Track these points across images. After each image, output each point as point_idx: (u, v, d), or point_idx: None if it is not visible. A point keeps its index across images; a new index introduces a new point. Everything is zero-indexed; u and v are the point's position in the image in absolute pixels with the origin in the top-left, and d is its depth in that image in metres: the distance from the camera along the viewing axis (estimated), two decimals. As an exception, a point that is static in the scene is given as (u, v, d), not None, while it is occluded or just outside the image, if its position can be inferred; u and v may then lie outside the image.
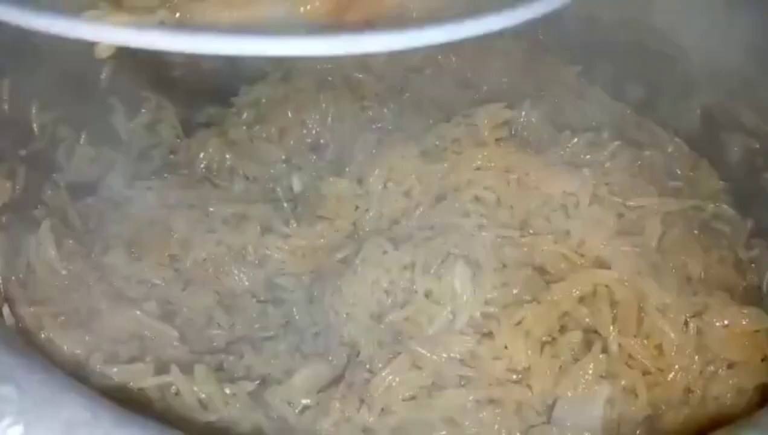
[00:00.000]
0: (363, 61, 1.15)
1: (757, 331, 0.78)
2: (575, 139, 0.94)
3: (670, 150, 1.01)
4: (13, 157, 0.82)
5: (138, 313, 0.85)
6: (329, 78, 1.13)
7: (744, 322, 0.77)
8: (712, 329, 0.77)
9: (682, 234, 0.86)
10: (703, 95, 1.00)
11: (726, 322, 0.77)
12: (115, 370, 0.70)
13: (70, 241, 0.91)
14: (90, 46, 0.95)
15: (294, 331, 0.90)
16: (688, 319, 0.77)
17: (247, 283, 0.97)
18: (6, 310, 0.66)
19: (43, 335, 0.73)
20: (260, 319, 0.94)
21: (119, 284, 0.91)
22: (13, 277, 0.76)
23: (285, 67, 1.14)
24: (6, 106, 0.81)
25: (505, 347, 0.79)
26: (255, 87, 1.14)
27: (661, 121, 1.04)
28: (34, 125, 0.87)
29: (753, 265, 0.92)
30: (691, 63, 1.01)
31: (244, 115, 1.12)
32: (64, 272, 0.85)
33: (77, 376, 0.69)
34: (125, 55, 1.00)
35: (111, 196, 1.01)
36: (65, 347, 0.73)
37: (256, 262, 0.98)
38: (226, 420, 0.68)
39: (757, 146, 0.94)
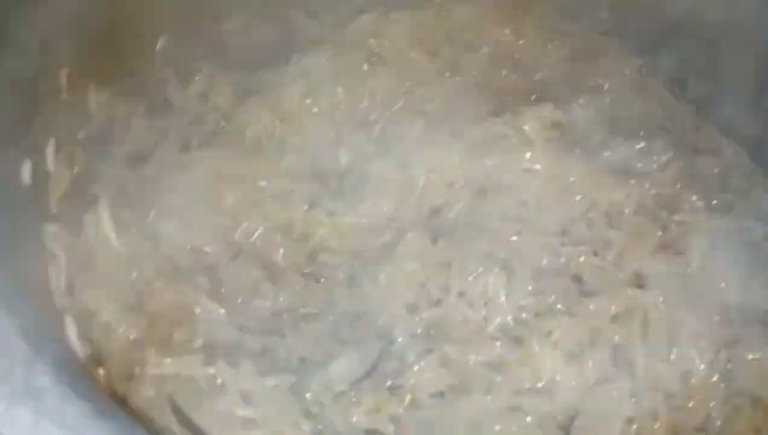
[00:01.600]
0: (417, 35, 1.13)
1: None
2: (626, 147, 0.92)
3: (727, 157, 0.98)
4: (72, 142, 0.85)
5: (189, 289, 0.90)
6: (380, 52, 1.12)
7: (776, 360, 0.78)
8: (742, 362, 0.78)
9: (726, 256, 0.85)
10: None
11: (758, 356, 0.78)
12: (168, 360, 0.75)
13: (127, 211, 0.95)
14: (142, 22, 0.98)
15: (333, 312, 0.94)
16: (720, 349, 0.78)
17: (292, 258, 1.00)
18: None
19: (100, 319, 0.78)
20: (303, 293, 0.97)
21: (171, 254, 0.95)
22: (74, 265, 0.81)
23: (337, 39, 1.13)
24: (64, 95, 0.83)
25: (533, 356, 0.82)
26: (306, 58, 1.13)
27: (723, 124, 1.00)
28: (92, 105, 0.90)
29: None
30: (762, 63, 0.96)
31: (296, 85, 1.12)
32: (121, 248, 0.90)
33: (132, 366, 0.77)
34: (178, 26, 1.03)
35: (165, 164, 1.05)
36: (121, 330, 0.78)
37: (302, 236, 1.01)
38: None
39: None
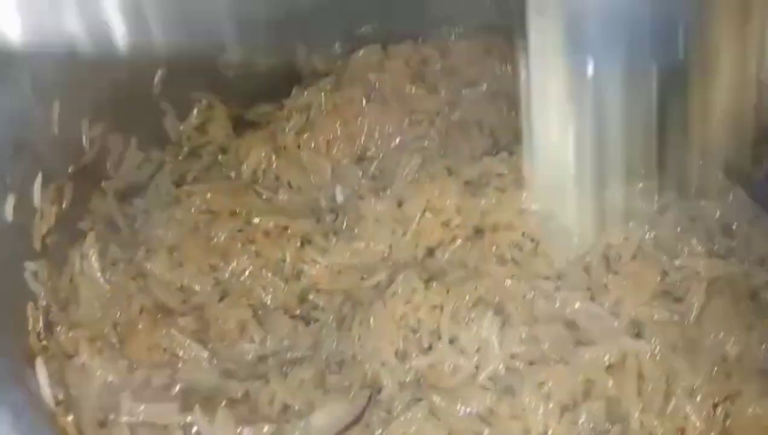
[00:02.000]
0: (418, 71, 1.12)
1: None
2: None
3: (729, 200, 0.95)
4: (61, 177, 0.85)
5: (172, 331, 0.88)
6: (380, 87, 1.11)
7: (775, 416, 0.74)
8: (740, 417, 0.74)
9: (726, 305, 0.82)
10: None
11: (758, 411, 0.74)
12: (142, 407, 0.73)
13: (114, 247, 0.94)
14: (140, 56, 0.98)
15: (320, 357, 0.92)
16: (717, 403, 0.75)
17: (281, 297, 0.98)
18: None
19: (77, 361, 0.77)
20: (290, 335, 0.95)
21: (159, 292, 0.94)
22: (55, 304, 0.79)
23: (337, 73, 1.12)
24: (56, 129, 0.83)
25: (524, 409, 0.78)
26: (306, 91, 1.12)
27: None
28: (84, 139, 0.89)
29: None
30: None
31: (293, 121, 1.11)
32: (106, 286, 0.88)
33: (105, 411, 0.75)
34: (177, 59, 1.03)
35: (157, 197, 1.04)
36: (98, 373, 0.76)
37: (293, 275, 0.99)
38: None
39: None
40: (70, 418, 0.70)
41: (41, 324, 0.75)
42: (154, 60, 1.00)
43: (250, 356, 0.92)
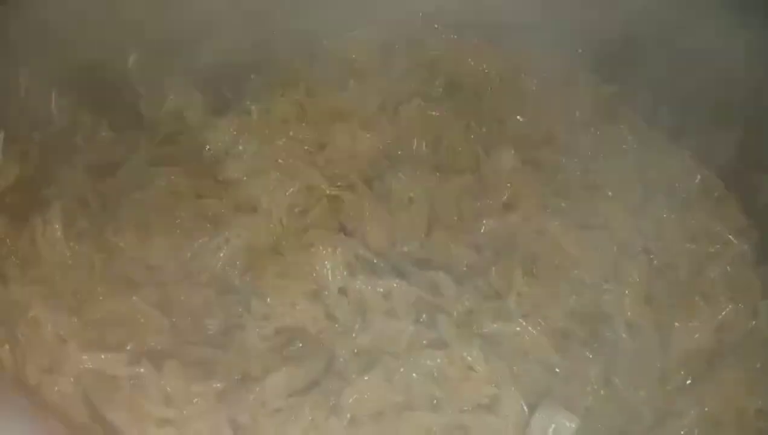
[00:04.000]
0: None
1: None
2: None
3: (697, 181, 0.96)
4: (27, 140, 0.85)
5: (134, 298, 0.88)
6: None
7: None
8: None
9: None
10: (740, 128, 0.93)
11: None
12: (85, 356, 0.72)
13: (84, 221, 0.94)
14: (114, 35, 1.00)
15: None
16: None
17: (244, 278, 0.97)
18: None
19: (30, 314, 0.76)
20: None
21: (124, 267, 0.94)
22: (12, 257, 0.79)
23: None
24: (23, 94, 0.84)
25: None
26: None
27: (695, 151, 0.98)
28: (53, 109, 0.90)
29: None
30: (732, 91, 0.94)
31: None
32: (68, 253, 0.88)
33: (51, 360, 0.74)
34: (153, 42, 1.05)
35: (130, 178, 1.05)
36: (49, 327, 0.76)
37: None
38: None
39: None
40: (6, 347, 0.69)
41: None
42: (128, 41, 1.03)
43: (213, 330, 0.91)
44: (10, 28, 0.83)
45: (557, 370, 0.84)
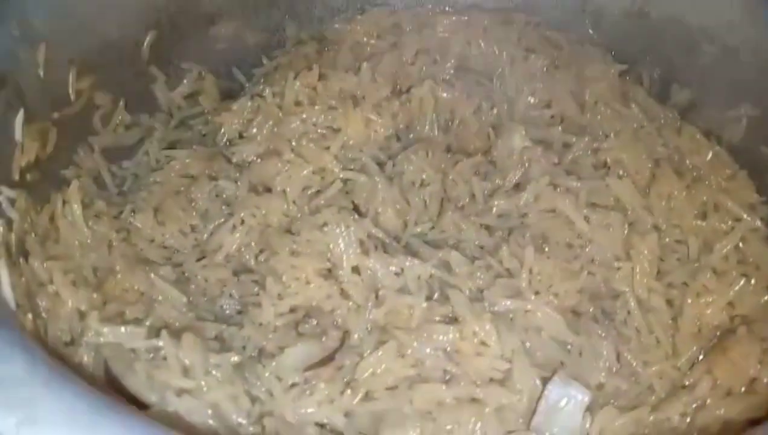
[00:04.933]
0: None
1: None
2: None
3: (709, 158, 0.96)
4: (45, 119, 0.87)
5: (152, 275, 0.89)
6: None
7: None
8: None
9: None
10: (751, 105, 0.93)
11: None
12: (106, 329, 0.74)
13: (101, 202, 0.96)
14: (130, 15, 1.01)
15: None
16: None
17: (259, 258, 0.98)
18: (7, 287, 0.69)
19: (50, 289, 0.78)
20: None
21: (141, 246, 0.96)
22: (33, 233, 0.81)
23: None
24: (41, 71, 0.85)
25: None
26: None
27: (705, 129, 0.99)
28: (71, 90, 0.92)
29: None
30: (741, 67, 0.94)
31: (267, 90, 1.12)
32: (86, 231, 0.90)
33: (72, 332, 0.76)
34: (167, 24, 1.06)
35: (146, 161, 1.07)
36: (69, 302, 0.77)
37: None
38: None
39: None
40: (29, 316, 0.70)
41: (14, 247, 0.76)
42: (144, 24, 1.04)
43: (231, 310, 0.92)
44: (28, 8, 0.84)
45: (569, 346, 0.84)
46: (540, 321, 0.86)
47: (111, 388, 0.68)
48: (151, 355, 0.74)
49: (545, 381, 0.79)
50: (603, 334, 0.86)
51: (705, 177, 0.95)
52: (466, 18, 1.15)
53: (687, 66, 1.00)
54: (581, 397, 0.76)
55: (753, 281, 0.87)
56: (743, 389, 0.76)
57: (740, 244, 0.90)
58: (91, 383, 0.56)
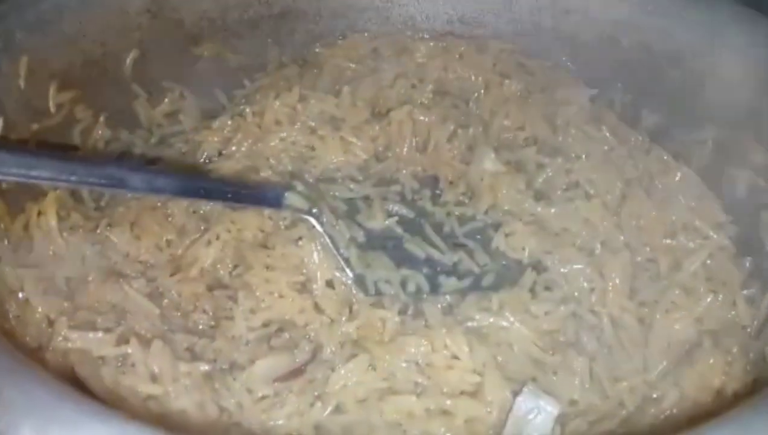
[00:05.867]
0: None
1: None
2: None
3: (677, 179, 0.98)
4: (24, 131, 0.88)
5: (126, 287, 0.89)
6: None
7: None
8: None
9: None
10: (716, 126, 0.96)
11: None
12: (75, 335, 0.73)
13: (77, 215, 0.96)
14: (113, 32, 1.03)
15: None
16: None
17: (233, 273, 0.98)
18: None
19: (20, 296, 0.77)
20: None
21: (115, 259, 0.95)
22: (5, 240, 0.81)
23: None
24: (22, 82, 0.87)
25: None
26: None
27: (674, 150, 1.01)
28: (51, 103, 0.93)
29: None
30: (707, 91, 0.98)
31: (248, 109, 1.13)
32: (61, 241, 0.90)
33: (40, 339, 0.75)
34: (150, 43, 1.08)
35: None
36: (39, 309, 0.77)
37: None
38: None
39: (763, 184, 0.90)
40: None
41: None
42: (127, 42, 1.06)
43: (203, 324, 0.92)
44: (11, 21, 0.85)
45: (542, 362, 0.85)
46: (513, 337, 0.86)
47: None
48: (120, 363, 0.73)
49: (516, 393, 0.79)
50: (576, 351, 0.87)
51: (674, 197, 0.97)
52: (443, 45, 1.19)
53: (656, 91, 1.03)
54: (551, 409, 0.76)
55: (720, 297, 0.88)
56: (710, 400, 0.77)
57: (708, 262, 0.92)
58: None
